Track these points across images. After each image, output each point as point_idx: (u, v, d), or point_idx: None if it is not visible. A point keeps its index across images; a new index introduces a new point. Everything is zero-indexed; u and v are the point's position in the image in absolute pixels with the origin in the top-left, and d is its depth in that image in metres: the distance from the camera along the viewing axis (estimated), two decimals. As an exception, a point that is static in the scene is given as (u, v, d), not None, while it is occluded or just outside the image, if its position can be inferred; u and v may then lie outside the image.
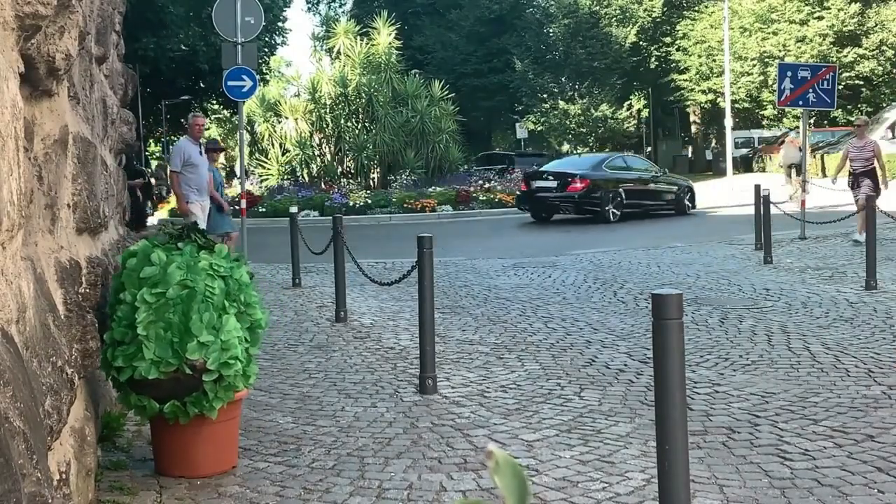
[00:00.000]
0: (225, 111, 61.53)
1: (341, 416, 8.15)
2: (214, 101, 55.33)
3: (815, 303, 12.75)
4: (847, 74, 51.67)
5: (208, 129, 60.44)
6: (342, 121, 41.91)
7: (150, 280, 6.35)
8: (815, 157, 41.59)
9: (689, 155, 70.51)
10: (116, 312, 6.36)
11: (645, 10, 65.37)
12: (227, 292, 6.52)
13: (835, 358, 9.66)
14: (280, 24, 50.22)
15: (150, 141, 67.76)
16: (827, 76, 21.53)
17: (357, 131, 41.32)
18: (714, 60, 58.51)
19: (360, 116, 42.16)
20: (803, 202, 21.16)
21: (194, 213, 15.33)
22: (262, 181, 41.48)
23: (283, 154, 42.42)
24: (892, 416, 7.66)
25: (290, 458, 7.04)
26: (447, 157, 42.20)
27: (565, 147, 64.93)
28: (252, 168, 42.07)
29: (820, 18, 53.68)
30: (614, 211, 29.21)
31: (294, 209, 18.54)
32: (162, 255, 6.48)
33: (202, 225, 14.31)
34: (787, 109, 46.69)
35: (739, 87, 56.56)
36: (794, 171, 32.82)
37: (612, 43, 62.86)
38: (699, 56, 60.61)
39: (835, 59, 49.97)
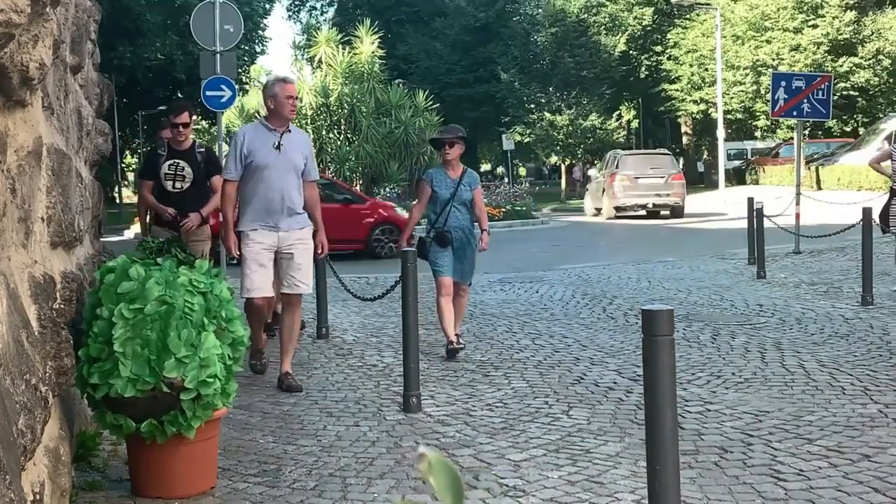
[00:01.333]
0: (203, 122, 61.44)
1: (323, 436, 8.02)
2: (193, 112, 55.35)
3: (810, 319, 12.64)
4: (843, 84, 51.67)
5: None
6: (324, 132, 41.74)
7: (128, 295, 6.23)
8: (809, 169, 41.53)
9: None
10: (93, 328, 6.24)
11: (635, 17, 65.53)
12: (207, 308, 6.40)
13: (830, 375, 9.55)
14: (260, 32, 50.24)
15: (127, 152, 67.68)
16: (822, 86, 21.42)
17: (339, 143, 41.19)
18: (706, 69, 58.49)
19: (343, 127, 42.03)
20: (797, 216, 20.99)
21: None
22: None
23: (262, 166, 42.29)
24: (889, 435, 7.57)
25: (270, 478, 6.91)
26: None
27: (553, 159, 65.01)
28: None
29: (814, 27, 53.59)
30: None
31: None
32: (140, 270, 6.37)
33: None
34: (780, 120, 46.74)
35: (732, 97, 56.58)
36: None
37: (600, 52, 62.88)
38: (690, 65, 60.58)
39: (830, 68, 49.94)
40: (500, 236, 29.77)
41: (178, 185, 11.49)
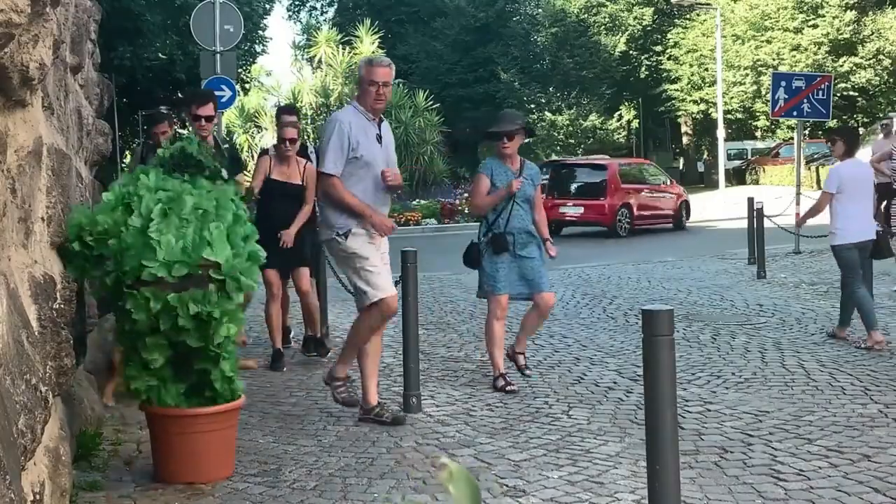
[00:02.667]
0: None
1: (323, 436, 8.03)
2: (193, 112, 55.34)
3: (810, 319, 12.66)
4: (843, 84, 51.59)
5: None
6: (324, 131, 41.84)
7: (167, 196, 6.57)
8: (809, 169, 41.51)
9: (681, 167, 70.49)
10: (126, 222, 6.47)
11: (635, 17, 65.35)
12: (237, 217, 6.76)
13: (830, 375, 9.56)
14: (260, 32, 50.01)
15: (127, 153, 67.62)
16: (822, 86, 21.41)
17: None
18: (706, 70, 58.38)
19: (342, 127, 42.04)
20: (797, 215, 20.92)
21: None
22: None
23: (263, 166, 42.34)
24: (889, 434, 7.59)
25: (270, 478, 6.92)
26: (432, 169, 42.12)
27: (553, 159, 64.97)
28: (231, 180, 42.01)
29: (815, 26, 53.50)
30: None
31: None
32: (176, 184, 6.77)
33: None
34: (780, 120, 46.71)
35: (732, 97, 56.53)
36: None
37: (600, 52, 62.73)
38: (690, 65, 60.42)
39: (830, 68, 49.85)
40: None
41: None
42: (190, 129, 10.75)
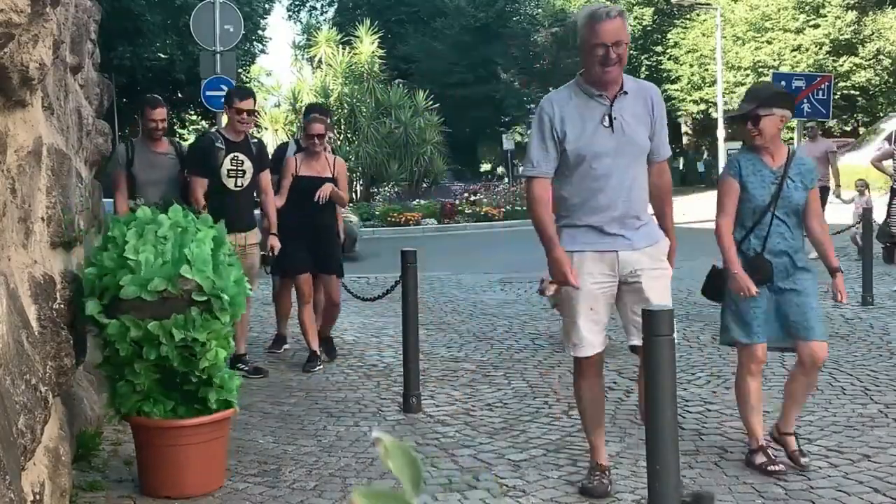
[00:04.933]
0: (203, 122, 61.44)
1: (323, 436, 8.04)
2: (192, 112, 55.24)
3: (809, 318, 12.62)
4: (843, 84, 51.60)
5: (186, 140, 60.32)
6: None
7: (140, 221, 6.43)
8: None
9: (681, 167, 70.45)
10: (104, 250, 6.35)
11: (635, 17, 65.33)
12: (217, 241, 6.59)
13: (830, 375, 9.55)
14: (260, 32, 50.12)
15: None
16: (822, 86, 21.42)
17: (339, 143, 41.20)
18: (706, 70, 58.34)
19: (343, 127, 42.09)
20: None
21: None
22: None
23: (262, 165, 42.36)
24: (889, 435, 7.60)
25: (270, 478, 6.93)
26: (432, 169, 42.13)
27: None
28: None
29: (816, 27, 53.52)
30: None
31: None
32: (147, 211, 6.58)
33: None
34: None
35: (733, 97, 56.50)
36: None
37: (601, 52, 62.78)
38: (691, 65, 60.41)
39: (831, 68, 49.90)
40: (500, 236, 29.82)
41: (239, 182, 10.15)
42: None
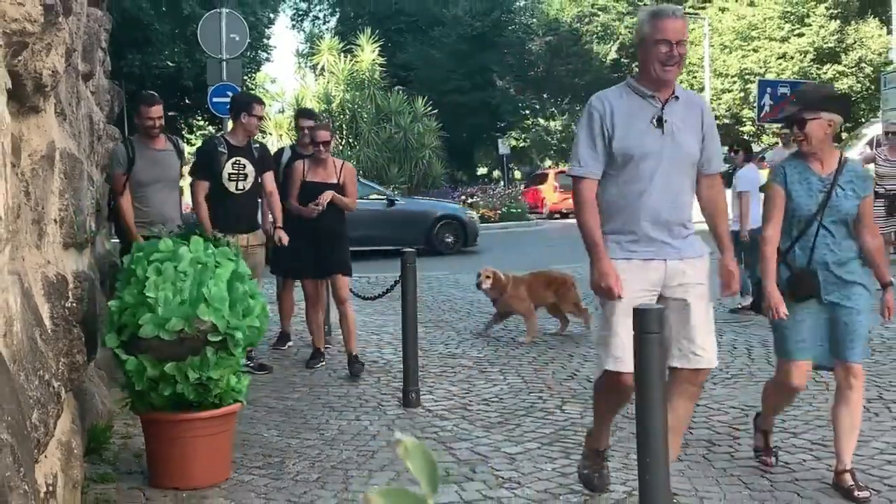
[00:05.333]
0: (210, 127, 61.33)
1: (325, 429, 8.19)
2: (199, 118, 55.23)
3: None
4: (826, 91, 51.57)
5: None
6: (326, 137, 41.77)
7: (161, 255, 6.52)
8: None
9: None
10: (127, 287, 6.48)
11: (626, 27, 65.21)
12: (236, 274, 6.70)
13: (814, 371, 9.63)
14: (265, 40, 50.11)
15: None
16: (806, 92, 21.50)
17: (341, 147, 41.22)
18: (694, 77, 58.25)
19: (344, 132, 42.09)
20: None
21: None
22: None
23: (267, 170, 42.27)
24: (871, 429, 7.68)
25: (274, 470, 7.07)
26: (430, 172, 42.12)
27: (547, 163, 64.78)
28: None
29: (800, 35, 53.56)
30: None
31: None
32: (170, 243, 6.65)
33: None
34: (766, 126, 46.74)
35: (721, 104, 56.52)
36: None
37: (593, 60, 62.69)
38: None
39: (815, 76, 49.97)
40: (497, 238, 29.82)
41: (240, 185, 10.22)
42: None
